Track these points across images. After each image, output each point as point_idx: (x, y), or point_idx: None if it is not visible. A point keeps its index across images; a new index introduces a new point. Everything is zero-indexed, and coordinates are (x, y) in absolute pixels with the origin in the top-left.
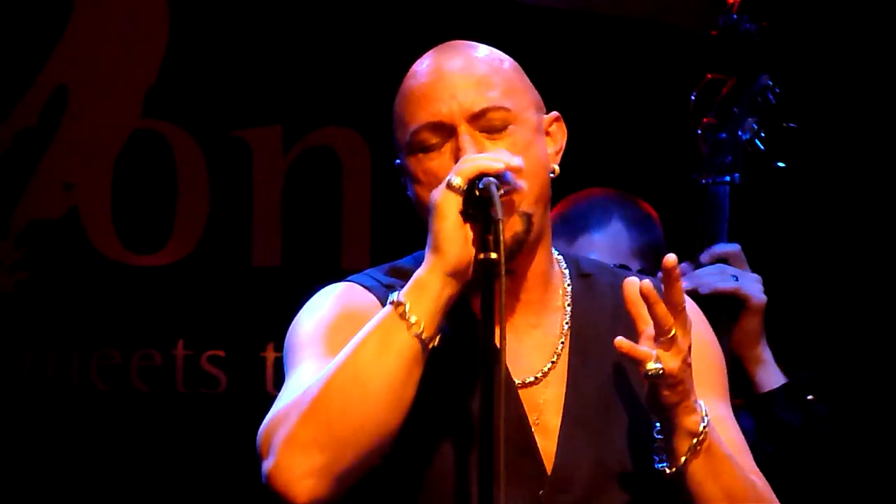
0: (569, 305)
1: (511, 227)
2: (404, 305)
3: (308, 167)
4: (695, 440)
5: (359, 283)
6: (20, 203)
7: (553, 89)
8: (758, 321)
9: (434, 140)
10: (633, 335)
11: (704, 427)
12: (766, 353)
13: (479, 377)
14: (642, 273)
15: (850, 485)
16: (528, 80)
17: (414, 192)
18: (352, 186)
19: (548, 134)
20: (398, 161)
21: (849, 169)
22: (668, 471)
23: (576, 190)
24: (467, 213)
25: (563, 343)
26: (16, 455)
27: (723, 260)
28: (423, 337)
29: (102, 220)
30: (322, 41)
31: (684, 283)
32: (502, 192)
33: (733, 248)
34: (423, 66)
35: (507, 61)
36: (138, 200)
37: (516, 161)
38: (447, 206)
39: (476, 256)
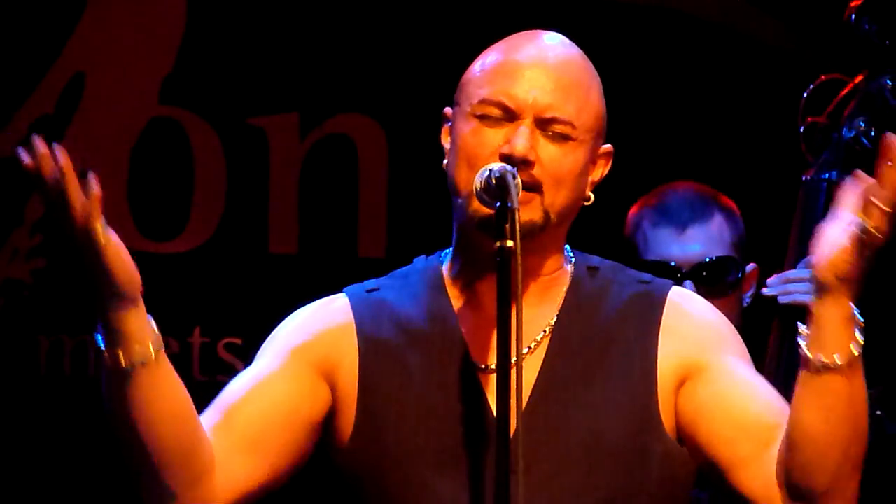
0: (567, 296)
1: (528, 213)
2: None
3: (325, 155)
4: (856, 338)
5: (344, 296)
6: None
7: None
8: None
9: (497, 114)
10: (629, 325)
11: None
12: None
13: (455, 365)
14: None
15: None
16: (604, 107)
17: (453, 146)
18: (368, 174)
19: (594, 163)
20: (449, 111)
21: None
22: (834, 361)
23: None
24: (482, 199)
25: (544, 332)
26: (32, 442)
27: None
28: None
29: (119, 208)
30: (339, 28)
31: (767, 291)
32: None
33: None
34: (519, 45)
35: (595, 79)
36: (155, 188)
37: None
38: None
39: (493, 244)
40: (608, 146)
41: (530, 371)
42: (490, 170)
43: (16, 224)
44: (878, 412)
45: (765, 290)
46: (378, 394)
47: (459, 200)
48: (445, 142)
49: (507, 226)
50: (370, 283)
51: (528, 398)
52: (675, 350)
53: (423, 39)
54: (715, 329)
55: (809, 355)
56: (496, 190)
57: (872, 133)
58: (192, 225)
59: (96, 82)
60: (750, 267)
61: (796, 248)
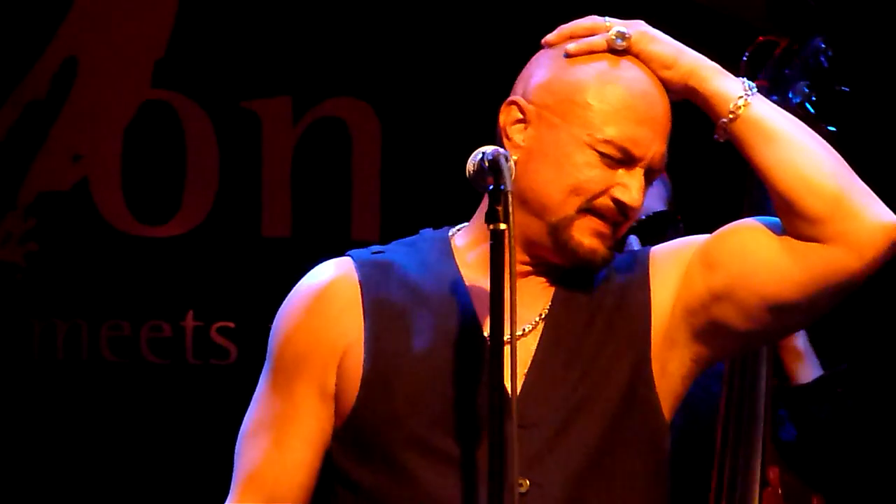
0: (560, 276)
1: (597, 251)
2: None
3: (318, 138)
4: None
5: (349, 261)
6: (29, 174)
7: None
8: None
9: (617, 156)
10: (623, 293)
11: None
12: (803, 346)
13: (468, 338)
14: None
15: (866, 477)
16: None
17: (553, 160)
18: (362, 157)
19: None
20: (529, 107)
21: None
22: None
23: None
24: (475, 183)
25: (544, 311)
26: (25, 426)
27: None
28: None
29: (112, 192)
30: (332, 12)
31: None
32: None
33: None
34: (645, 85)
35: None
36: (148, 171)
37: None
38: None
39: (486, 226)
40: None
41: (531, 341)
42: (483, 153)
43: (9, 208)
44: (839, 389)
45: None
46: (385, 353)
47: (553, 221)
48: (518, 137)
49: (500, 208)
50: (375, 248)
51: (530, 363)
52: (663, 288)
53: (416, 23)
54: (681, 243)
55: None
56: (490, 172)
57: (813, 98)
58: (185, 208)
59: (89, 66)
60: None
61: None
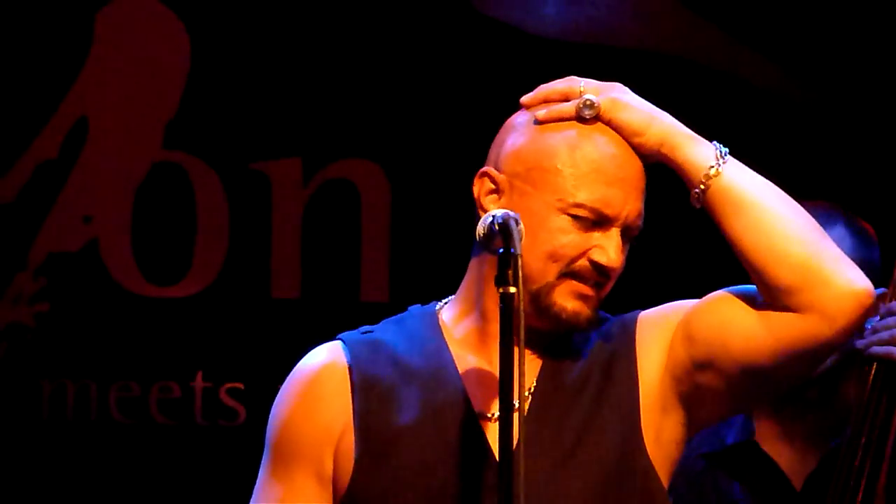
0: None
1: (581, 313)
2: None
3: (328, 199)
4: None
5: (339, 344)
6: (40, 235)
7: None
8: None
9: (590, 219)
10: (611, 359)
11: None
12: None
13: (460, 410)
14: None
15: None
16: None
17: (527, 228)
18: (371, 219)
19: None
20: (500, 177)
21: None
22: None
23: None
24: (484, 246)
25: (534, 379)
26: (34, 487)
27: None
28: None
29: (122, 252)
30: (342, 74)
31: (857, 342)
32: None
33: None
34: (613, 147)
35: None
36: (158, 232)
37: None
38: None
39: (497, 289)
40: None
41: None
42: (493, 216)
43: (19, 268)
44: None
45: (858, 343)
46: (375, 432)
47: (534, 289)
48: (492, 207)
49: (510, 272)
50: (364, 328)
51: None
52: (649, 356)
53: (426, 85)
54: (666, 309)
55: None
56: (500, 235)
57: None
58: (195, 269)
59: (100, 127)
60: (878, 291)
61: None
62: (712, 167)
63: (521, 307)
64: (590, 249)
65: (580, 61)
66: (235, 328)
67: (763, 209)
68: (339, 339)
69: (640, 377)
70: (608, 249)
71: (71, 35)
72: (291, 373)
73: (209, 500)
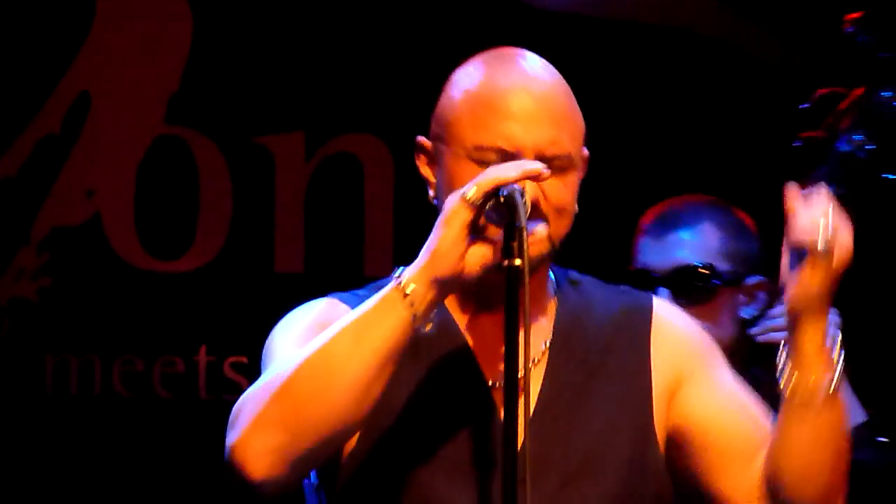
0: (558, 309)
1: (538, 247)
2: (402, 281)
3: (330, 173)
4: (833, 366)
5: (337, 299)
6: (42, 210)
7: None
8: None
9: (494, 158)
10: (620, 337)
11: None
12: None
13: (459, 382)
14: (727, 274)
15: None
16: (580, 113)
17: (448, 187)
18: (374, 193)
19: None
20: (430, 139)
21: None
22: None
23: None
24: (476, 227)
25: (545, 344)
26: (38, 461)
27: None
28: (416, 312)
29: (125, 227)
30: (345, 47)
31: (755, 329)
32: (526, 200)
33: None
34: (497, 76)
35: (571, 94)
36: (161, 207)
37: (537, 165)
38: (455, 217)
39: (500, 263)
40: (586, 152)
41: (534, 384)
42: (499, 189)
43: (22, 243)
44: (882, 438)
45: (751, 330)
46: (381, 403)
47: None
48: (427, 173)
49: (515, 244)
50: (359, 292)
51: (533, 411)
52: (665, 363)
53: (429, 58)
54: (698, 341)
55: (787, 391)
56: (504, 208)
57: (870, 147)
58: (198, 244)
59: (102, 102)
60: (752, 279)
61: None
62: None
63: (527, 280)
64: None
65: (584, 34)
66: (239, 302)
67: (840, 444)
68: (333, 296)
69: (653, 377)
70: (524, 184)
71: (73, 9)
72: (300, 306)
73: (213, 474)
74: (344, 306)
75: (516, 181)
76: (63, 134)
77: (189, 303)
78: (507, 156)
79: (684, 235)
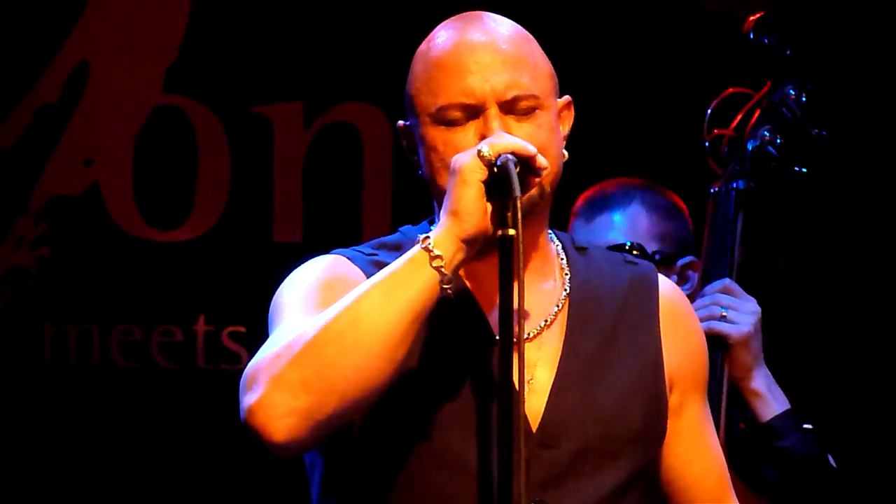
0: (567, 273)
1: (527, 197)
2: (430, 243)
3: (329, 143)
4: None
5: (343, 256)
6: (41, 179)
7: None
8: (745, 354)
9: (459, 115)
10: (631, 308)
11: None
12: (759, 384)
13: (475, 344)
14: (652, 255)
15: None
16: (549, 61)
17: (427, 159)
18: (372, 162)
19: (560, 119)
20: (407, 122)
21: (873, 176)
22: None
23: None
24: (486, 188)
25: (559, 306)
26: (36, 430)
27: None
28: (444, 271)
29: (123, 196)
30: (343, 16)
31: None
32: (519, 169)
33: (721, 284)
34: (451, 37)
35: (533, 41)
36: (159, 176)
37: (542, 159)
38: (472, 173)
39: (494, 232)
40: (565, 97)
41: (552, 343)
42: (498, 160)
43: (20, 212)
44: (806, 425)
45: None
46: None
47: None
48: (415, 157)
49: (509, 213)
50: (365, 248)
51: (555, 371)
52: (674, 353)
53: (428, 27)
54: (702, 350)
55: None
56: (497, 178)
57: (778, 141)
58: (197, 213)
59: (100, 71)
60: (683, 260)
61: (708, 258)
62: None
63: (521, 249)
64: (478, 143)
65: (586, 5)
66: (237, 272)
67: None
68: (338, 253)
69: (664, 358)
70: (491, 131)
71: None
72: (306, 262)
73: (211, 443)
74: (349, 263)
75: (528, 155)
76: (62, 103)
77: (187, 272)
78: (470, 109)
79: (615, 217)
